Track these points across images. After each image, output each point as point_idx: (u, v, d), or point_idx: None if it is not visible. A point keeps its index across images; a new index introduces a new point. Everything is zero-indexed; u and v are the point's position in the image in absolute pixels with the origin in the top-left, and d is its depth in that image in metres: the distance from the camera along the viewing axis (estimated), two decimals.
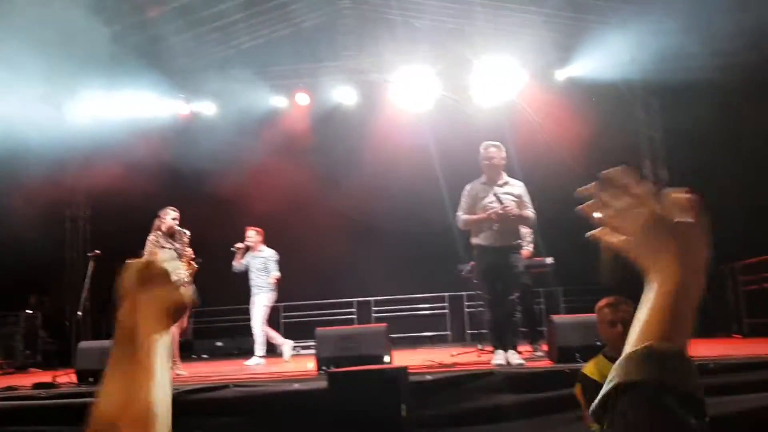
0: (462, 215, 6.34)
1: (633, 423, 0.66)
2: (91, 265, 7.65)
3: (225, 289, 8.78)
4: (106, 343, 7.12)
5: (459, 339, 12.63)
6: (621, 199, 0.89)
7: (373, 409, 4.26)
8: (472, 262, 7.22)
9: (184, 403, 4.82)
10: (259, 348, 8.57)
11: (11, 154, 8.83)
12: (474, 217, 6.25)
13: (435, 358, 7.13)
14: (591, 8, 10.81)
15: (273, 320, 12.93)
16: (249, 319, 8.84)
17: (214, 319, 12.86)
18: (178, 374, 6.70)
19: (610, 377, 0.72)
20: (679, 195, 0.84)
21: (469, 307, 12.48)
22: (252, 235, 8.83)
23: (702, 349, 6.24)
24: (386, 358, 5.97)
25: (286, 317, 13.28)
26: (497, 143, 6.43)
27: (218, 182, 11.54)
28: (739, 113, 8.82)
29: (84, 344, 6.81)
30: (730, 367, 4.62)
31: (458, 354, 7.68)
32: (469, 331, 12.47)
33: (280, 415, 4.81)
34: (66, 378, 6.34)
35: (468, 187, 6.43)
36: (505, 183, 6.34)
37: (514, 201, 6.20)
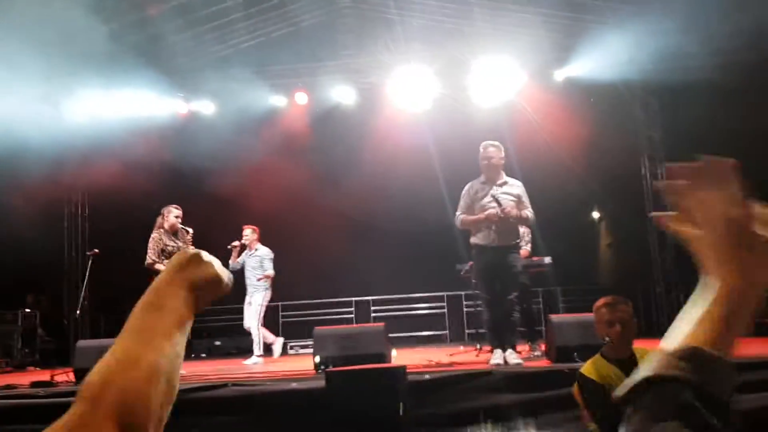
0: (460, 215, 6.34)
1: (657, 416, 0.65)
2: (89, 264, 7.64)
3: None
4: (104, 341, 7.12)
5: (457, 338, 12.64)
6: (709, 191, 0.84)
7: (372, 408, 4.26)
8: (471, 262, 7.22)
9: (183, 401, 4.80)
10: (258, 347, 8.56)
11: (10, 153, 8.82)
12: (472, 217, 6.25)
13: (433, 357, 7.14)
14: (589, 8, 10.81)
15: (271, 319, 12.97)
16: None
17: (213, 318, 12.86)
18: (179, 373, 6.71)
19: (645, 367, 0.71)
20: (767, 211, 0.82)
21: (467, 306, 12.49)
22: (248, 233, 8.82)
23: None
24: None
25: (284, 316, 13.29)
26: (496, 143, 6.43)
27: (217, 181, 11.55)
28: (738, 113, 8.82)
29: (82, 343, 6.81)
30: None
31: (456, 353, 7.68)
32: (467, 331, 12.48)
33: (279, 414, 4.81)
34: (64, 377, 6.34)
35: (467, 186, 6.43)
36: (504, 183, 6.34)
37: (512, 201, 6.20)
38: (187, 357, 8.33)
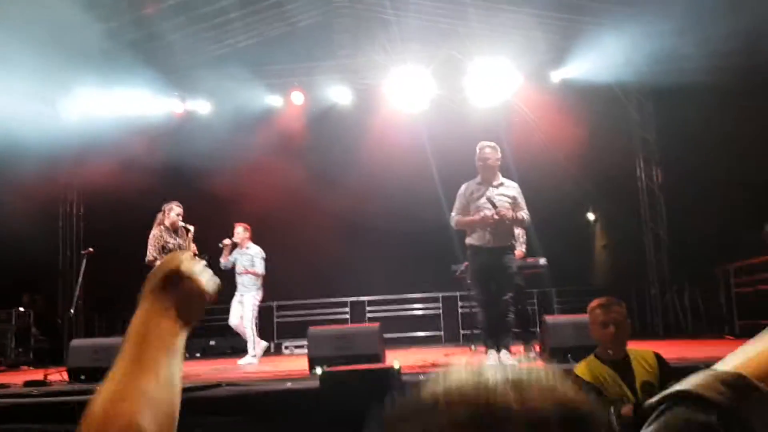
0: (455, 216, 6.35)
1: (679, 430, 0.65)
2: (84, 263, 7.62)
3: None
4: (98, 341, 7.11)
5: (452, 339, 12.66)
6: None
7: (366, 408, 4.25)
8: (466, 263, 7.23)
9: None
10: (252, 347, 8.54)
11: (5, 151, 8.80)
12: (467, 218, 6.26)
13: (428, 358, 7.15)
14: (585, 10, 10.83)
15: (266, 319, 12.96)
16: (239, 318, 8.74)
17: (207, 318, 12.83)
18: None
19: (685, 381, 0.70)
20: None
21: (462, 307, 12.50)
22: (240, 231, 8.73)
23: (694, 351, 6.26)
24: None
25: (279, 316, 13.28)
26: (492, 144, 6.43)
27: (213, 181, 11.53)
28: (732, 115, 8.86)
29: (76, 342, 6.79)
30: None
31: (451, 354, 7.69)
32: (462, 332, 12.49)
33: (273, 414, 4.80)
34: (57, 376, 6.32)
35: (463, 187, 6.44)
36: (500, 184, 6.34)
37: (508, 202, 6.20)
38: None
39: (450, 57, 11.72)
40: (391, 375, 4.53)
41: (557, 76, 11.89)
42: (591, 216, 15.36)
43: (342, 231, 12.72)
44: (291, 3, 12.08)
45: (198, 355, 12.18)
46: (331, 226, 12.61)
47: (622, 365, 3.12)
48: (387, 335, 7.12)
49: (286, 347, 12.05)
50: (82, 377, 6.01)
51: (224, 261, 8.52)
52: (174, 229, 7.20)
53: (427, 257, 11.62)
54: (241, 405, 4.90)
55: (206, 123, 12.28)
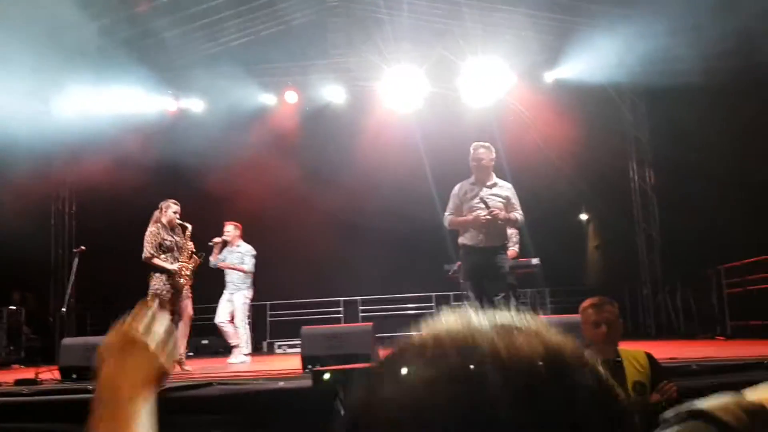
0: (448, 215, 6.36)
1: None
2: (76, 261, 7.59)
3: (211, 286, 8.72)
4: (90, 339, 7.08)
5: None
6: None
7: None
8: (459, 262, 7.23)
9: (168, 400, 4.79)
10: (244, 346, 8.51)
11: None
12: (460, 218, 6.27)
13: None
14: (579, 10, 10.86)
15: (260, 318, 12.95)
16: (231, 318, 8.70)
17: (200, 317, 12.78)
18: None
19: (707, 401, 0.70)
20: None
21: (456, 307, 12.49)
22: (230, 229, 8.66)
23: (686, 351, 6.29)
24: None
25: (272, 316, 13.26)
26: (487, 144, 6.44)
27: (206, 179, 11.51)
28: (725, 116, 8.90)
29: (67, 341, 6.76)
30: (713, 369, 4.67)
31: None
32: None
33: (265, 413, 4.80)
34: (49, 375, 6.29)
35: (457, 187, 6.44)
36: (494, 184, 6.34)
37: (501, 202, 6.20)
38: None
39: (444, 57, 11.73)
40: None
41: (551, 76, 11.92)
42: (584, 216, 15.40)
43: (335, 230, 12.72)
44: (284, 2, 12.06)
45: (191, 353, 12.15)
46: (324, 225, 12.61)
47: (613, 365, 3.13)
48: (380, 335, 7.12)
49: (279, 346, 12.03)
50: (74, 376, 5.98)
51: (214, 259, 8.47)
52: (171, 227, 7.19)
53: (421, 257, 11.62)
54: (233, 404, 4.89)
55: (200, 121, 12.26)
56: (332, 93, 12.56)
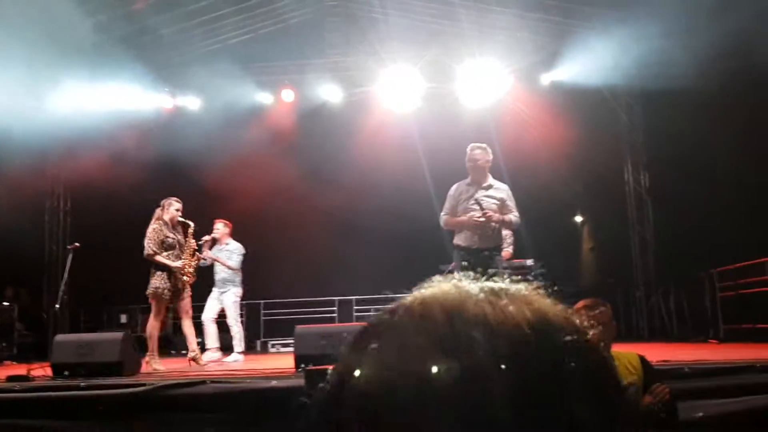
0: (444, 215, 6.37)
1: None
2: (69, 257, 7.57)
3: (204, 285, 8.70)
4: (83, 336, 7.07)
5: None
6: None
7: None
8: (454, 263, 7.24)
9: (162, 398, 4.79)
10: (238, 344, 8.50)
11: None
12: (455, 219, 6.28)
13: None
14: (575, 12, 10.89)
15: (253, 317, 12.93)
16: (223, 316, 8.67)
17: (194, 316, 12.76)
18: (155, 369, 6.66)
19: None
20: None
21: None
22: (220, 227, 8.63)
23: (678, 353, 6.30)
24: None
25: (266, 314, 13.23)
26: (483, 145, 6.43)
27: (201, 177, 11.49)
28: (719, 119, 8.93)
29: (60, 337, 6.74)
30: (705, 372, 4.68)
31: None
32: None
33: (257, 411, 4.79)
34: (41, 371, 6.27)
35: (453, 187, 6.44)
36: (490, 186, 6.33)
37: (495, 204, 6.20)
38: (167, 354, 8.28)
39: (441, 57, 11.74)
40: None
41: (547, 78, 11.94)
42: (579, 218, 15.44)
43: (331, 229, 12.71)
44: (282, 0, 12.06)
45: (184, 352, 12.12)
46: (320, 224, 12.60)
47: None
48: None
49: (273, 345, 12.01)
50: (66, 373, 5.96)
51: (203, 257, 8.44)
52: (173, 225, 7.16)
53: (417, 257, 11.61)
54: (226, 402, 4.89)
55: (196, 119, 12.24)
56: (329, 92, 12.56)
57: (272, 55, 12.05)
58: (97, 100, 11.31)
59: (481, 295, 0.53)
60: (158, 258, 6.91)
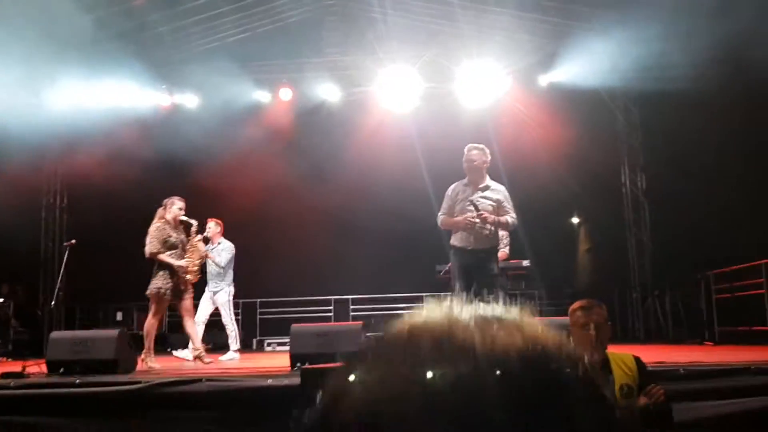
0: (441, 216, 6.37)
1: None
2: (66, 254, 7.55)
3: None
4: (78, 333, 7.06)
5: None
6: None
7: None
8: (450, 263, 7.24)
9: (157, 396, 4.78)
10: (234, 342, 8.50)
11: None
12: (451, 219, 6.28)
13: None
14: (573, 14, 10.90)
15: (249, 316, 12.92)
16: (217, 315, 8.66)
17: None
18: (150, 367, 6.66)
19: None
20: None
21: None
22: (211, 226, 8.61)
23: (674, 355, 6.31)
24: None
25: (262, 313, 13.23)
26: (481, 146, 6.43)
27: (199, 175, 11.48)
28: (715, 123, 8.95)
29: (55, 334, 6.73)
30: (700, 374, 4.69)
31: None
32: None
33: (253, 410, 4.79)
34: (36, 368, 6.26)
35: (451, 187, 6.45)
36: (486, 187, 6.32)
37: (491, 206, 6.20)
38: (163, 352, 8.27)
39: (439, 57, 11.75)
40: None
41: (545, 79, 11.95)
42: (575, 220, 15.45)
43: (328, 228, 12.71)
44: None
45: (170, 350, 12.12)
46: (316, 223, 12.59)
47: (601, 368, 3.14)
48: (370, 334, 7.12)
49: (269, 344, 12.01)
50: (61, 370, 5.95)
51: None
52: (175, 224, 7.13)
53: (414, 257, 11.63)
54: (222, 400, 4.88)
55: (193, 117, 12.22)
56: (327, 91, 12.56)
57: (270, 54, 12.04)
58: (95, 97, 11.29)
59: (472, 322, 0.52)
60: (162, 257, 6.86)
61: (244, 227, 9.32)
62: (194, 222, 7.28)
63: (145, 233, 7.03)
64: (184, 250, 7.11)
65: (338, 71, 12.47)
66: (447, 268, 8.05)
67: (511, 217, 6.28)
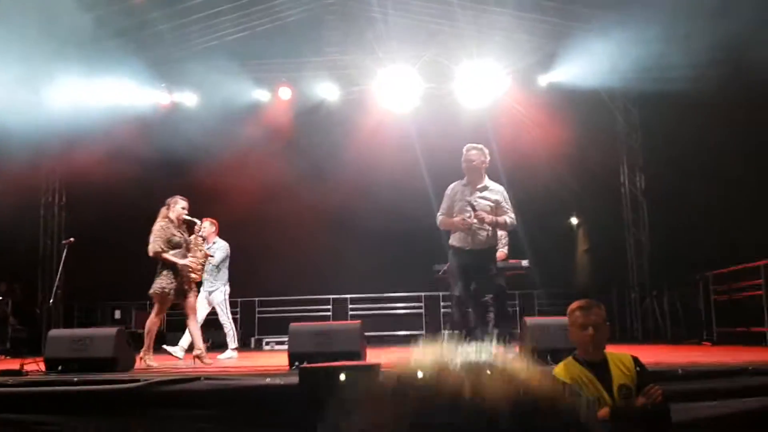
0: (440, 215, 6.37)
1: None
2: (64, 252, 7.54)
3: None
4: (76, 331, 7.04)
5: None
6: None
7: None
8: (449, 263, 7.25)
9: (156, 394, 4.78)
10: (232, 341, 8.50)
11: None
12: (449, 220, 6.28)
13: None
14: (573, 14, 10.90)
15: (248, 315, 12.93)
16: (214, 314, 8.66)
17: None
18: (149, 365, 6.65)
19: None
20: None
21: (445, 307, 12.53)
22: (206, 225, 8.58)
23: (672, 355, 6.32)
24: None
25: (261, 312, 13.24)
26: (480, 146, 6.43)
27: (196, 173, 11.48)
28: (716, 123, 8.95)
29: (54, 332, 6.72)
30: (699, 374, 4.69)
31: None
32: (444, 332, 12.51)
33: (251, 408, 4.79)
34: (34, 366, 6.25)
35: (450, 187, 6.45)
36: (485, 187, 6.32)
37: (489, 206, 6.20)
38: (162, 350, 8.26)
39: (439, 57, 11.75)
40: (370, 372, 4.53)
41: (545, 79, 11.95)
42: (574, 220, 15.46)
43: (326, 228, 12.71)
44: None
45: (165, 348, 12.11)
46: (315, 222, 12.60)
47: (599, 368, 3.14)
48: (368, 333, 7.12)
49: (267, 343, 12.01)
50: (60, 368, 5.95)
51: None
52: (178, 223, 7.12)
53: (411, 256, 11.63)
54: (220, 399, 4.88)
55: (193, 115, 12.22)
56: (326, 90, 12.56)
57: (270, 53, 12.04)
58: (94, 95, 11.28)
59: (462, 370, 0.51)
60: (166, 255, 6.84)
61: (243, 226, 9.32)
62: (198, 221, 7.27)
63: (144, 232, 7.01)
64: (187, 249, 7.10)
65: (337, 70, 12.47)
66: (445, 267, 8.04)
67: (509, 218, 6.28)
